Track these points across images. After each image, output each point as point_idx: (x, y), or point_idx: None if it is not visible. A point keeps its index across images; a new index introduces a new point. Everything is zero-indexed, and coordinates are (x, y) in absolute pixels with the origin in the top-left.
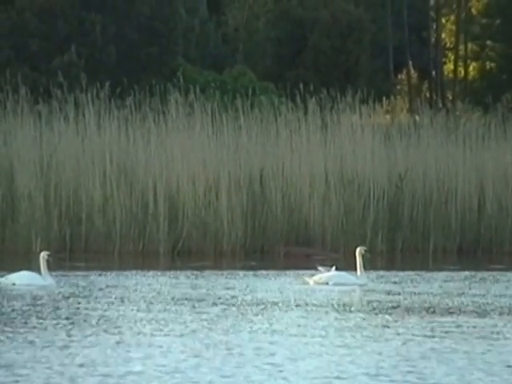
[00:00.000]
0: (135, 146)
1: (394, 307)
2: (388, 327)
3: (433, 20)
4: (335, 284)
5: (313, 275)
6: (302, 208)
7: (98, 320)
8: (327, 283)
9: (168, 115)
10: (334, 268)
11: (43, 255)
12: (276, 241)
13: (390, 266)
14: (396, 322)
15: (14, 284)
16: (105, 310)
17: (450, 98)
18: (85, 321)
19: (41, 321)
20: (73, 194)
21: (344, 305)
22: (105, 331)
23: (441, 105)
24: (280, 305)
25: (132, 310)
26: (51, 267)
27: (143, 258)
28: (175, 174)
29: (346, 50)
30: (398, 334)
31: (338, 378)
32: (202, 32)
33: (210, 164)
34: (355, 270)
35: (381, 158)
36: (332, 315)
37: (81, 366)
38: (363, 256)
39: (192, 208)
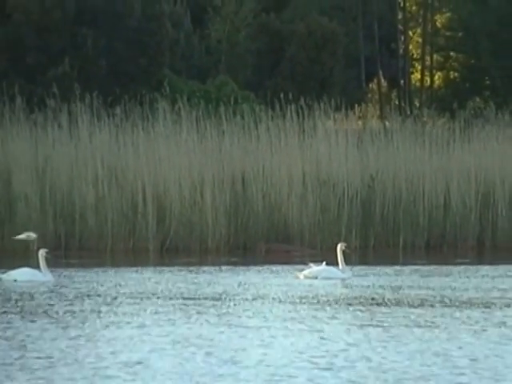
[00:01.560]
0: (125, 150)
1: (368, 299)
2: (358, 318)
3: (401, 33)
4: (323, 278)
5: (302, 270)
6: (282, 207)
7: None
8: (316, 277)
9: (156, 122)
10: (324, 263)
11: (42, 252)
12: (257, 238)
13: (364, 260)
14: (365, 312)
15: (15, 280)
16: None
17: (417, 105)
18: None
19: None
20: (67, 196)
21: (324, 296)
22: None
23: (409, 111)
24: (265, 298)
25: (121, 304)
26: (48, 264)
27: (133, 255)
28: (163, 176)
29: (321, 61)
30: (362, 325)
31: (285, 366)
32: (186, 44)
33: (195, 167)
34: (334, 265)
35: (354, 160)
36: (307, 307)
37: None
38: (344, 252)
39: (178, 208)
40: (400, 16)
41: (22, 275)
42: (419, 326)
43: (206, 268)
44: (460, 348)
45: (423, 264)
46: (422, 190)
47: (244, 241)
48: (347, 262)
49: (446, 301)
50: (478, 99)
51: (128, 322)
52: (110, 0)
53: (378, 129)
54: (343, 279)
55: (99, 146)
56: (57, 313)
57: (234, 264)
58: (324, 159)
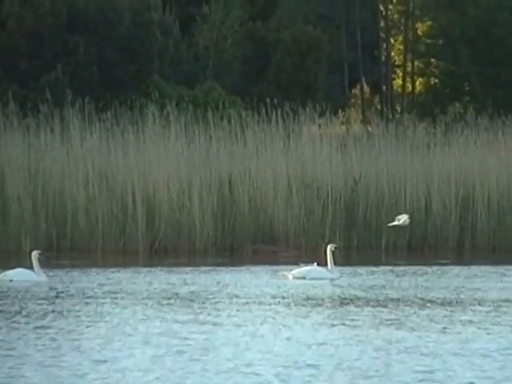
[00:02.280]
0: (115, 154)
1: (342, 299)
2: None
3: (383, 40)
4: (312, 278)
5: (291, 270)
6: (267, 209)
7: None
8: (304, 277)
9: (145, 127)
10: (315, 264)
11: (35, 254)
12: (244, 239)
13: (347, 261)
14: (337, 311)
15: (11, 280)
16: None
17: (399, 110)
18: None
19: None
20: (59, 198)
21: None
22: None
23: (391, 116)
24: (249, 298)
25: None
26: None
27: (123, 255)
28: (152, 179)
29: (306, 68)
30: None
31: (251, 364)
32: (175, 51)
33: (184, 170)
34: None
35: (337, 164)
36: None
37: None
38: (333, 253)
39: (167, 210)
40: (382, 24)
41: (17, 275)
42: (387, 325)
43: (191, 268)
44: (426, 346)
45: (405, 265)
46: (403, 193)
47: (231, 242)
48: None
49: (416, 300)
50: (457, 104)
51: (104, 321)
52: (101, 8)
53: (361, 133)
54: (332, 279)
55: (90, 149)
56: (33, 312)
57: (221, 265)
58: (308, 163)
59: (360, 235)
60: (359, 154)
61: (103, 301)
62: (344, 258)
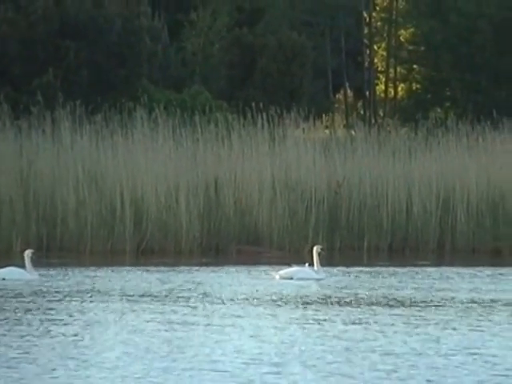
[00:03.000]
0: (105, 156)
1: (314, 298)
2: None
3: (366, 46)
4: (298, 278)
5: (279, 270)
6: (252, 211)
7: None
8: (291, 278)
9: (134, 130)
10: (307, 265)
11: (28, 253)
12: (229, 240)
13: (330, 262)
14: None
15: (3, 279)
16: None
17: (382, 114)
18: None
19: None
20: (49, 199)
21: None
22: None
23: (373, 121)
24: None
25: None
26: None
27: (111, 255)
28: (140, 181)
29: (291, 73)
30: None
31: (216, 361)
32: (163, 57)
33: (171, 172)
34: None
35: (321, 167)
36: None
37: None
38: (319, 254)
39: (154, 211)
40: (366, 31)
41: (9, 274)
42: (357, 324)
43: (179, 268)
44: (391, 345)
45: (386, 266)
46: (385, 196)
47: (216, 243)
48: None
49: (388, 300)
50: (439, 110)
51: (76, 319)
52: (91, 15)
53: (344, 137)
54: (318, 280)
55: (80, 151)
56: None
57: (206, 264)
58: (293, 166)
59: (343, 237)
60: (342, 157)
61: (77, 299)
62: (327, 259)
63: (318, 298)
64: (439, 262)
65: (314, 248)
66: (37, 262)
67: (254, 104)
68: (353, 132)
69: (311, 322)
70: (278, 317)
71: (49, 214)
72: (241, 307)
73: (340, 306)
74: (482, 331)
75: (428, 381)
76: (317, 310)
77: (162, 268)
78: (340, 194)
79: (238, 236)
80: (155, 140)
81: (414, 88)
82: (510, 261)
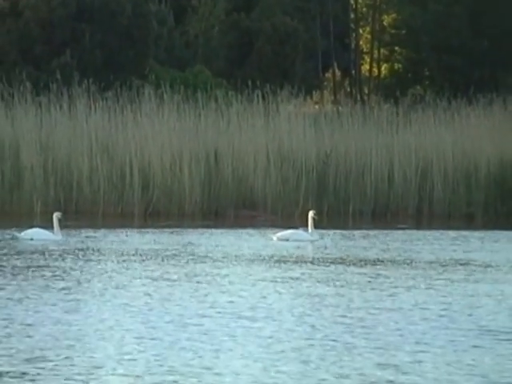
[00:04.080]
0: (115, 128)
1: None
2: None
3: (353, 30)
4: (294, 240)
5: (276, 233)
6: (248, 178)
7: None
8: (287, 239)
9: (142, 105)
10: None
11: (56, 215)
12: (227, 204)
13: (318, 225)
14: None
15: (31, 239)
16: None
17: (366, 92)
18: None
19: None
20: (66, 167)
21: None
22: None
23: (359, 97)
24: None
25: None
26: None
27: (121, 218)
28: (147, 151)
29: (284, 54)
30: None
31: (199, 316)
32: (169, 39)
33: (175, 143)
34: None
35: (311, 139)
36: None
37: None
38: (313, 218)
39: (160, 178)
40: (352, 16)
41: (37, 234)
42: (323, 281)
43: (184, 230)
44: (351, 301)
45: (369, 229)
46: (369, 165)
47: (216, 207)
48: (303, 226)
49: (355, 260)
50: (418, 87)
51: (101, 280)
52: (105, 0)
53: (332, 112)
54: (312, 241)
55: (94, 124)
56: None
57: (207, 227)
58: (285, 138)
59: (330, 202)
60: (330, 130)
61: (101, 258)
62: (316, 223)
63: (297, 258)
64: (418, 225)
65: (310, 213)
66: (33, 224)
67: (250, 82)
68: (340, 107)
69: (286, 279)
70: (258, 274)
71: (65, 180)
72: (227, 265)
73: (313, 265)
74: (436, 289)
75: (389, 330)
76: (291, 270)
77: (167, 230)
78: (328, 164)
79: (236, 201)
80: (161, 114)
81: (395, 68)
82: (482, 224)
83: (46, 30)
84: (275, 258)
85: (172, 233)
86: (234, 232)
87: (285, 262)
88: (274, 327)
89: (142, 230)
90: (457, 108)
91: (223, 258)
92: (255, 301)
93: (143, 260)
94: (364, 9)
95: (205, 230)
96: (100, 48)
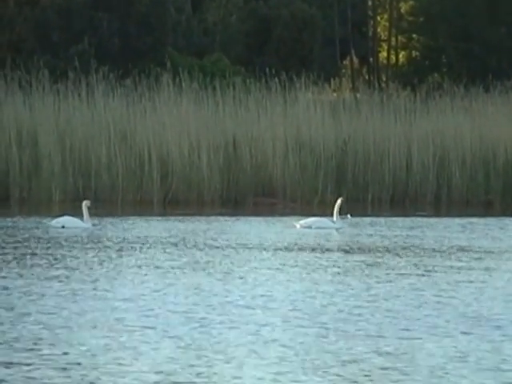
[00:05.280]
0: (134, 116)
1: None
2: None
3: (370, 18)
4: (317, 227)
5: (299, 220)
6: (267, 166)
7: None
8: (310, 227)
9: (160, 92)
10: (349, 215)
11: (86, 203)
12: (246, 192)
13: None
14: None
15: (63, 226)
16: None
17: (384, 79)
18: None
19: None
20: (84, 155)
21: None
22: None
23: (377, 85)
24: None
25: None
26: (67, 212)
27: (140, 206)
28: (165, 139)
29: (302, 41)
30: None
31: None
32: (187, 26)
33: (194, 131)
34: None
35: (329, 126)
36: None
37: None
38: (340, 206)
39: (179, 166)
40: (370, 3)
41: (68, 222)
42: (317, 268)
43: (205, 217)
44: (369, 289)
45: (388, 216)
46: (387, 153)
47: (235, 195)
48: (323, 213)
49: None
50: (436, 75)
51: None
52: None
53: (350, 100)
54: (336, 229)
55: (112, 112)
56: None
57: (226, 214)
58: (303, 125)
59: (349, 189)
60: (348, 118)
61: (132, 246)
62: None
63: (315, 245)
64: (436, 212)
65: (338, 200)
66: (75, 212)
67: (268, 69)
68: (358, 95)
69: (294, 266)
70: (266, 261)
71: (84, 168)
72: (239, 253)
73: (309, 252)
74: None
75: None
76: (305, 256)
77: (187, 218)
78: (346, 151)
79: (255, 189)
80: (179, 102)
81: (413, 55)
82: (500, 211)
83: (64, 17)
84: (298, 246)
85: (193, 221)
86: (257, 220)
87: (311, 249)
88: (263, 316)
89: (164, 217)
90: (474, 95)
91: (248, 245)
92: (247, 288)
93: (177, 247)
94: None
95: (224, 218)
96: (118, 36)
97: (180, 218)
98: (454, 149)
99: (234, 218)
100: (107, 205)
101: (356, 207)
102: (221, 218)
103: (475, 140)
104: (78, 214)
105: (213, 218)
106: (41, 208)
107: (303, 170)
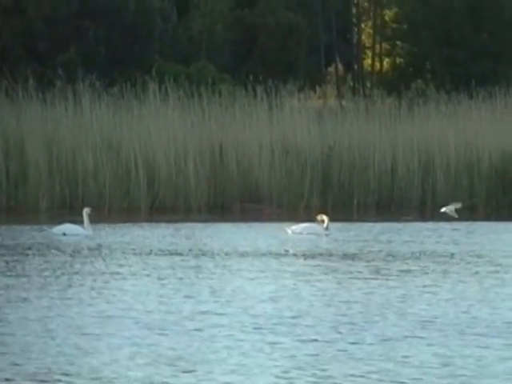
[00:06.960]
0: (120, 124)
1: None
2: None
3: (355, 25)
4: (308, 233)
5: (290, 226)
6: (253, 172)
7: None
8: (301, 233)
9: (146, 100)
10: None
11: (86, 210)
12: (233, 199)
13: None
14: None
15: (64, 234)
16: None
17: (369, 86)
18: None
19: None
20: (71, 163)
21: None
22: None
23: (361, 92)
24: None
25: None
26: (52, 221)
27: (127, 213)
28: (152, 146)
29: (287, 49)
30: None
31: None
32: (173, 34)
33: (180, 138)
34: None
35: (315, 132)
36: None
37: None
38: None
39: (165, 173)
40: (354, 11)
41: (69, 230)
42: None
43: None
44: (350, 293)
45: (374, 221)
46: (372, 158)
47: (221, 201)
48: (308, 219)
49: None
50: (419, 81)
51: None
52: None
53: (336, 106)
54: (326, 235)
55: (98, 120)
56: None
57: (213, 221)
58: (289, 132)
59: (334, 195)
60: (334, 124)
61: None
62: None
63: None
64: (421, 217)
65: (323, 216)
66: (62, 220)
67: (254, 77)
68: (343, 102)
69: (276, 272)
70: (280, 267)
71: (71, 176)
72: (245, 260)
73: (325, 257)
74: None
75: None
76: (284, 262)
77: (175, 225)
78: (332, 157)
79: (241, 195)
80: (165, 110)
81: (397, 62)
82: (484, 215)
83: (50, 26)
84: (291, 252)
85: (179, 228)
86: (246, 226)
87: (300, 255)
88: (245, 317)
89: (151, 224)
90: (458, 101)
91: (240, 252)
92: (227, 294)
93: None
94: (365, 4)
95: (212, 224)
96: (104, 44)
97: (167, 224)
98: (438, 154)
99: (221, 224)
100: (95, 212)
101: (341, 212)
102: (209, 225)
103: (459, 145)
104: (66, 221)
105: (200, 224)
106: (28, 216)
107: (289, 176)
